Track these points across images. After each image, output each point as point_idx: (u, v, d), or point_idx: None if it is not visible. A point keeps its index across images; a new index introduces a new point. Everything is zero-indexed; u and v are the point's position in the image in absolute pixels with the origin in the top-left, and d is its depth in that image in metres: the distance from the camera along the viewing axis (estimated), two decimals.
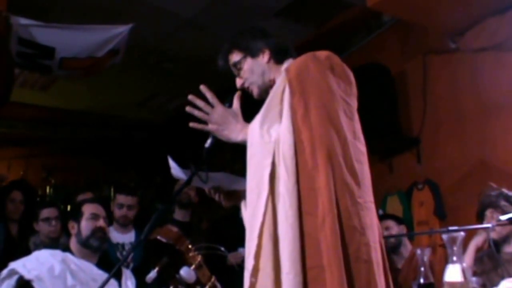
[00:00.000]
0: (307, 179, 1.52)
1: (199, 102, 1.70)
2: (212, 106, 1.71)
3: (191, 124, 1.70)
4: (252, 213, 1.57)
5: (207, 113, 1.70)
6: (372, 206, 1.60)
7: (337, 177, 1.52)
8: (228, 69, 1.89)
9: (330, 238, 1.46)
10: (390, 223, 3.53)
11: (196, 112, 1.71)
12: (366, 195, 1.59)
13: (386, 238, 3.45)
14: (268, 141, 1.59)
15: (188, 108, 1.71)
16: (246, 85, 1.85)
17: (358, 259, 1.49)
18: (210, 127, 1.71)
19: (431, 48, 4.39)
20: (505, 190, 2.74)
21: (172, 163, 1.82)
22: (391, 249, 3.45)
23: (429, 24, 4.05)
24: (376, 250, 1.55)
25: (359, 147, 1.63)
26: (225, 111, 1.71)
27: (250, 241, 1.55)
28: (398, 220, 3.63)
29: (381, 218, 3.61)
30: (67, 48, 3.94)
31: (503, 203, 2.67)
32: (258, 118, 1.68)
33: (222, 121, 1.70)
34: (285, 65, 1.80)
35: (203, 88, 1.72)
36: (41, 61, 4.01)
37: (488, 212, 2.72)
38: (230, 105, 1.75)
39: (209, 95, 1.72)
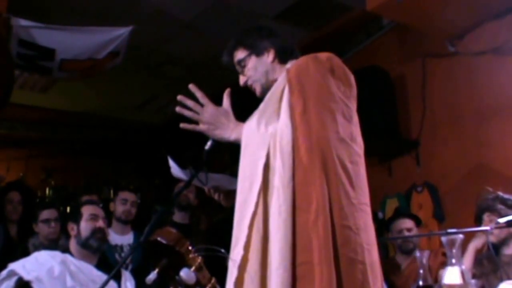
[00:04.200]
0: (302, 175, 1.52)
1: (189, 102, 1.68)
2: (202, 105, 1.69)
3: (182, 125, 1.68)
4: (243, 202, 1.56)
5: (197, 113, 1.69)
6: (367, 208, 1.60)
7: (332, 177, 1.52)
8: (232, 65, 1.88)
9: (323, 235, 1.46)
10: (411, 224, 3.51)
11: (186, 112, 1.68)
12: (361, 197, 1.59)
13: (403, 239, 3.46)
14: (264, 133, 1.59)
15: (178, 109, 1.68)
16: (249, 83, 1.84)
17: (354, 260, 1.49)
18: (201, 127, 1.69)
19: (430, 51, 4.41)
20: (501, 193, 2.75)
21: (172, 163, 1.82)
22: (406, 252, 3.43)
23: (428, 27, 4.06)
24: (370, 252, 1.54)
25: (355, 149, 1.63)
26: (216, 110, 1.69)
27: (239, 231, 1.54)
28: (417, 221, 3.61)
29: (401, 216, 3.60)
30: (67, 49, 3.95)
31: (499, 206, 2.68)
32: (255, 114, 1.68)
33: (213, 120, 1.68)
34: (288, 65, 1.80)
35: (192, 87, 1.70)
36: (41, 63, 4.02)
37: (486, 216, 2.73)
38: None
39: (199, 94, 1.70)
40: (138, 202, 3.69)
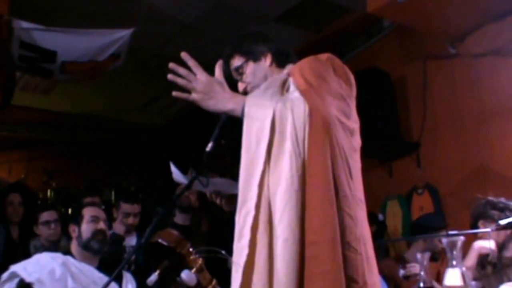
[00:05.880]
0: (313, 153, 1.48)
1: (182, 70, 1.59)
2: (195, 74, 1.60)
3: (174, 93, 1.62)
4: (249, 160, 1.51)
5: (190, 82, 1.59)
6: (363, 205, 1.60)
7: (339, 162, 1.52)
8: (229, 73, 1.87)
9: (337, 218, 1.44)
10: None
11: (179, 80, 1.60)
12: (357, 192, 1.58)
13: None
14: (270, 99, 1.56)
15: (170, 76, 1.60)
16: (248, 89, 1.83)
17: (356, 251, 1.48)
18: (195, 96, 1.59)
19: (431, 53, 4.41)
20: (491, 198, 2.74)
21: (173, 168, 1.82)
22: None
23: (429, 29, 4.07)
24: (365, 246, 1.54)
25: (353, 144, 1.63)
26: (210, 79, 1.59)
27: (248, 189, 1.49)
28: None
29: None
30: (68, 52, 3.96)
31: (491, 211, 2.68)
32: (260, 87, 1.66)
33: (207, 89, 1.58)
34: (286, 69, 1.80)
35: (184, 55, 1.61)
36: (43, 65, 4.03)
37: (480, 224, 2.72)
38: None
39: (191, 63, 1.61)
40: (140, 209, 3.68)
